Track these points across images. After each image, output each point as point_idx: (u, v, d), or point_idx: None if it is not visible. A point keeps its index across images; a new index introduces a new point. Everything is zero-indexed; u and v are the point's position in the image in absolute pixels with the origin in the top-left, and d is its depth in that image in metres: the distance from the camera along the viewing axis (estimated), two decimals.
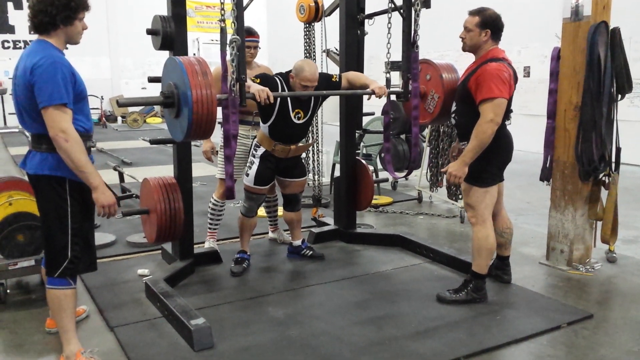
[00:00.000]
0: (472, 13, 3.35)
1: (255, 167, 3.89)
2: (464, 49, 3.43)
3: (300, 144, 3.97)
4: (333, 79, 3.87)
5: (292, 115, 3.77)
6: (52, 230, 2.64)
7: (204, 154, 4.31)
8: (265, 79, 3.62)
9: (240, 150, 4.24)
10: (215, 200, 4.36)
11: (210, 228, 4.45)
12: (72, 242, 2.64)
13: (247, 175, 3.93)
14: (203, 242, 4.44)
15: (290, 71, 3.74)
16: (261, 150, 3.88)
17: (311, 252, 4.28)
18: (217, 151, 4.29)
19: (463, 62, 3.66)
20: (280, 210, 4.48)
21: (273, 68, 4.40)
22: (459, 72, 3.76)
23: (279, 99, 3.66)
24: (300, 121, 3.83)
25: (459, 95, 3.46)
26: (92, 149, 2.76)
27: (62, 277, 2.66)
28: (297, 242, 4.31)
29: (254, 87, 3.33)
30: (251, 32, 4.16)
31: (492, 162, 3.36)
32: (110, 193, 2.62)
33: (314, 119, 4.06)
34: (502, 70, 3.20)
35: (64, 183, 2.60)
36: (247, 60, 4.11)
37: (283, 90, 3.69)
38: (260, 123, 3.88)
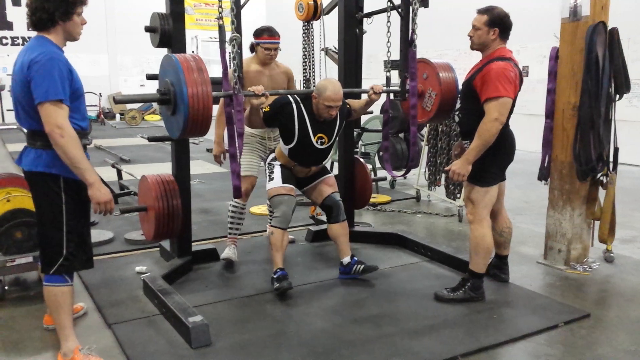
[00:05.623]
0: (481, 11, 3.33)
1: (277, 170, 3.66)
2: (472, 48, 3.42)
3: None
4: (347, 105, 3.80)
5: (313, 140, 3.55)
6: (47, 227, 2.63)
7: (215, 159, 4.18)
8: (280, 109, 3.48)
9: (247, 142, 4.05)
10: (235, 202, 4.09)
11: (230, 233, 4.17)
12: (67, 239, 2.63)
13: (272, 179, 3.65)
14: (201, 240, 4.42)
15: (312, 91, 3.54)
16: (279, 161, 3.70)
17: (362, 266, 3.74)
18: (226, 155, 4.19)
19: (462, 61, 3.68)
20: None
21: None
22: (457, 71, 3.76)
23: (296, 124, 3.50)
24: (324, 146, 3.61)
25: (464, 93, 3.44)
26: (87, 146, 2.75)
27: (58, 274, 2.65)
28: (347, 259, 3.77)
29: (252, 89, 3.28)
30: (273, 34, 4.03)
31: (494, 162, 3.36)
32: (106, 190, 2.60)
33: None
34: (508, 69, 3.20)
35: (58, 180, 2.58)
36: (267, 61, 4.05)
37: (300, 113, 3.51)
38: (280, 142, 3.70)
